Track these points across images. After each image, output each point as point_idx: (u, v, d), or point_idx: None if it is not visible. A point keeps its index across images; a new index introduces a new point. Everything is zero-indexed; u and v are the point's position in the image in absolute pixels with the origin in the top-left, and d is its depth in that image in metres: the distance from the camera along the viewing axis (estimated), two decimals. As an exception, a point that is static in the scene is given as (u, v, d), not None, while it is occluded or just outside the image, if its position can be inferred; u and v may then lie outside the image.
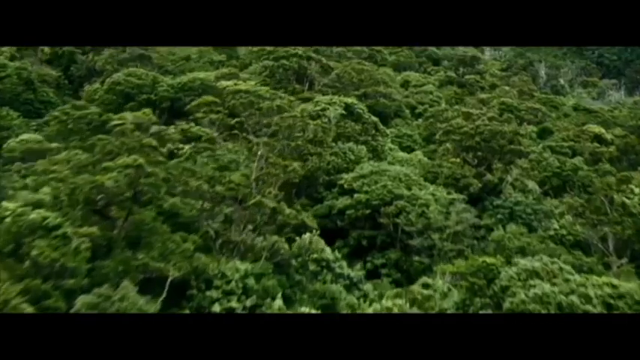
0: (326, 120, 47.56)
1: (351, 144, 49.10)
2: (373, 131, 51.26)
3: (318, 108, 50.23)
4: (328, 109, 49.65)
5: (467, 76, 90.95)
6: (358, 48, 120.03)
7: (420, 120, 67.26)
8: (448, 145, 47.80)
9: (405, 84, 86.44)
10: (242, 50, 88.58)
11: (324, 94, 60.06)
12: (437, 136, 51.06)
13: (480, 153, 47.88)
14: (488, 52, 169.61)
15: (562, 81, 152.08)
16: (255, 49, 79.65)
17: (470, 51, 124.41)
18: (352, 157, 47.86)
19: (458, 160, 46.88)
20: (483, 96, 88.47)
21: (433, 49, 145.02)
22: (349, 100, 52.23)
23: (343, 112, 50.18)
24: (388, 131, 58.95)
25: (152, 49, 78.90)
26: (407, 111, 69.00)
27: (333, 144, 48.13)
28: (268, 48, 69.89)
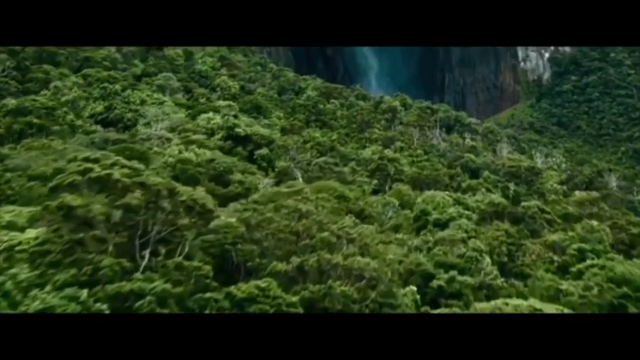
0: None
1: None
2: None
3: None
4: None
5: (524, 203, 53.03)
6: (374, 162, 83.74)
7: (440, 309, 29.01)
8: None
9: (421, 217, 49.50)
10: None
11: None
12: None
13: None
14: (539, 160, 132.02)
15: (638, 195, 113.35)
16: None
17: (523, 160, 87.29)
18: None
19: None
20: (554, 238, 50.62)
21: (471, 156, 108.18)
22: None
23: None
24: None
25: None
26: (408, 294, 30.10)
27: None
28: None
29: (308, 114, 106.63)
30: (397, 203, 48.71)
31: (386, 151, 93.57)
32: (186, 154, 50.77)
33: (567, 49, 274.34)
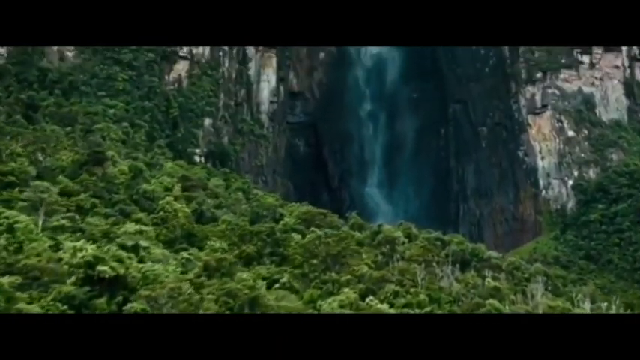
0: None
1: None
2: None
3: None
4: None
5: None
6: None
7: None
8: None
9: None
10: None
11: None
12: None
13: None
14: (586, 306, 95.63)
15: None
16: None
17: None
18: None
19: None
20: None
21: (495, 302, 73.09)
22: None
23: None
24: None
25: None
26: None
27: None
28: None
29: (261, 245, 72.94)
30: None
31: (368, 299, 58.98)
32: None
33: (592, 175, 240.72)
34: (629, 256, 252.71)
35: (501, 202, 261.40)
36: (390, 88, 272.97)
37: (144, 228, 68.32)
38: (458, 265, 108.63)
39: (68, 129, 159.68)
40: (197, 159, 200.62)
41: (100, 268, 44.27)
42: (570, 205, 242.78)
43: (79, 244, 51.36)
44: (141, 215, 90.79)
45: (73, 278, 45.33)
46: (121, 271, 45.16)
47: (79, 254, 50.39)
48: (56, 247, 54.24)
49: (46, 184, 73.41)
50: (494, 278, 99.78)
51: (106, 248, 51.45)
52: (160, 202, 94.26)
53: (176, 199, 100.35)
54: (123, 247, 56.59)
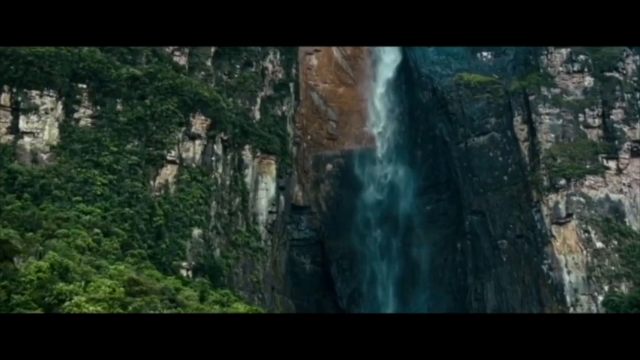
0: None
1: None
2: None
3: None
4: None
5: None
6: None
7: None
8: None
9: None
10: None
11: None
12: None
13: None
14: None
15: None
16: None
17: None
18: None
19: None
20: None
21: None
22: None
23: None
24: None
25: None
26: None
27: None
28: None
29: None
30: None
31: None
32: None
33: (624, 289, 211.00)
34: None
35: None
36: (403, 216, 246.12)
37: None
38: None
39: (29, 234, 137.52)
40: (184, 272, 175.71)
41: None
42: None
43: None
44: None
45: None
46: None
47: None
48: None
49: None
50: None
51: None
52: (66, 304, 69.97)
53: (98, 301, 75.88)
54: None
